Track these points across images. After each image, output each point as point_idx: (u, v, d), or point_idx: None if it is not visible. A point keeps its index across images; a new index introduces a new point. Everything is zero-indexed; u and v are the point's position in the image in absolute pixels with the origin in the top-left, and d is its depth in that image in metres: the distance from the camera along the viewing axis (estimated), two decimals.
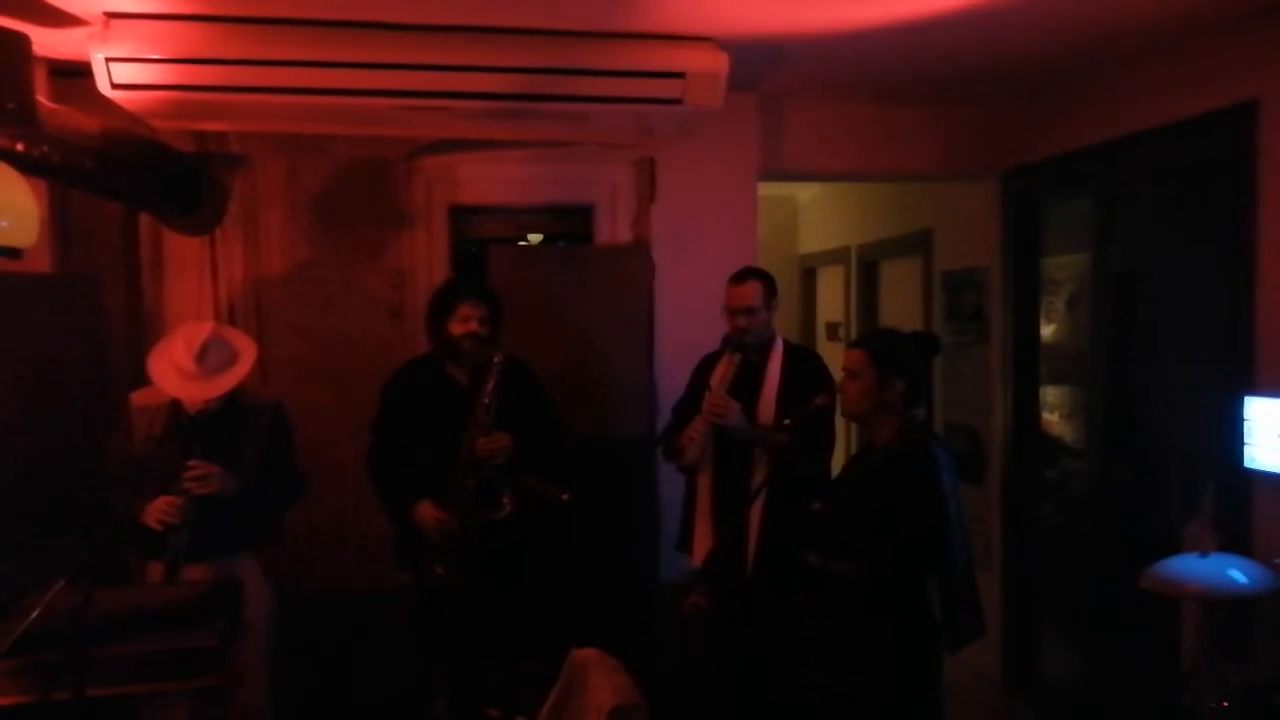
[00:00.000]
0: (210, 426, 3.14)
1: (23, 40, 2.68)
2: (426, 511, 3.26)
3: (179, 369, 3.04)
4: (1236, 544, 3.04)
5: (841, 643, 2.75)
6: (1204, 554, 2.87)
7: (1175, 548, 3.11)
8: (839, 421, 3.36)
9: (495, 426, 3.26)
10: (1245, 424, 3.07)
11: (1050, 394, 4.45)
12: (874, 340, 2.96)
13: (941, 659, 2.78)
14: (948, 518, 2.65)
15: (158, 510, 3.02)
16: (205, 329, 3.10)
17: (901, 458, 2.71)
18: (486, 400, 3.24)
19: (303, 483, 3.40)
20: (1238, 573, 2.78)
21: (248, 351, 3.17)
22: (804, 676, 2.96)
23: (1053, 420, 4.44)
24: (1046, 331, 4.46)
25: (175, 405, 3.14)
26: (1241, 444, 3.09)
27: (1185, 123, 3.43)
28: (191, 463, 3.04)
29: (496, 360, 3.25)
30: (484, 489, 3.25)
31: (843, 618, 2.74)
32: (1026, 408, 4.52)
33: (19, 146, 2.70)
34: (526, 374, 3.47)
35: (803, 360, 3.50)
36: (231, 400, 3.19)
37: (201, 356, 3.03)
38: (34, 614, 2.32)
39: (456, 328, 3.30)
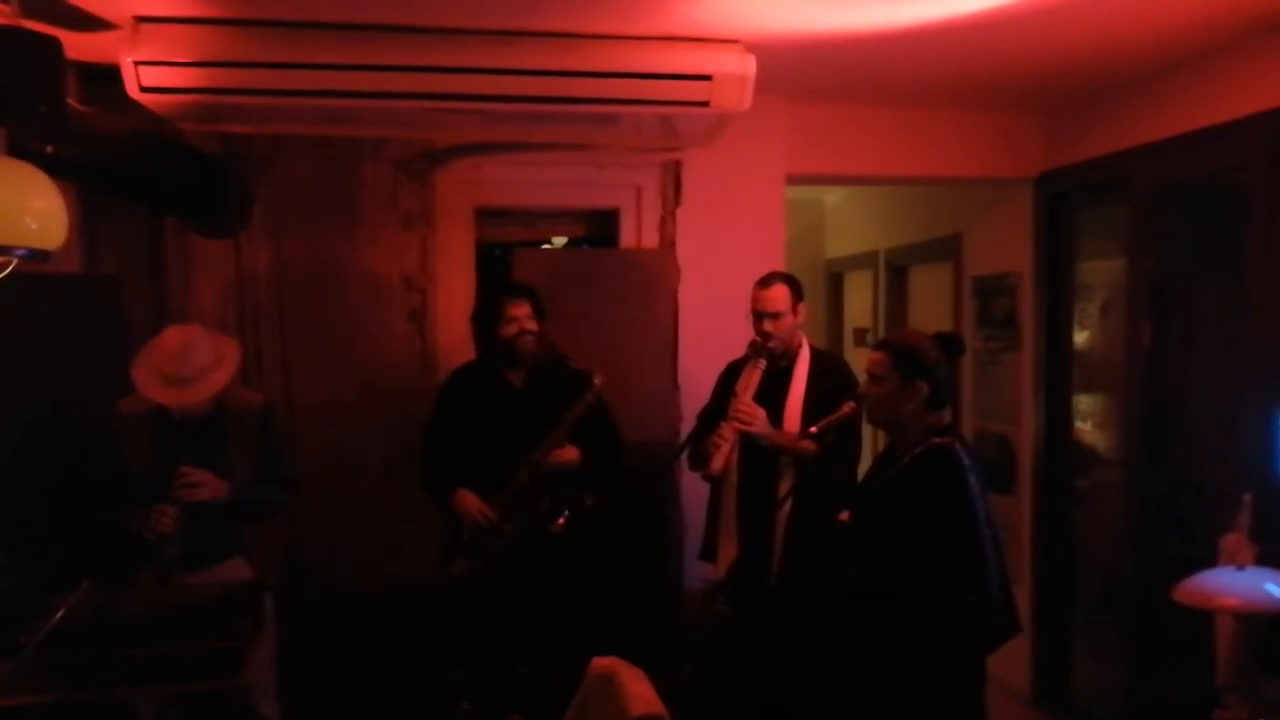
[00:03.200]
0: (199, 432, 3.09)
1: (54, 44, 2.70)
2: (471, 501, 3.28)
3: (161, 374, 2.99)
4: (1273, 557, 2.97)
5: (883, 651, 2.72)
6: (1240, 567, 2.82)
7: (1210, 560, 3.05)
8: (866, 428, 3.33)
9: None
10: None
11: (1083, 402, 4.39)
12: (896, 341, 2.90)
13: (983, 661, 2.75)
14: (977, 518, 2.61)
15: (148, 519, 2.95)
16: (187, 332, 3.06)
17: (925, 463, 2.68)
18: (575, 415, 3.27)
19: (295, 484, 3.34)
20: (1274, 586, 2.72)
21: (231, 355, 3.12)
22: (845, 686, 2.94)
23: (1085, 429, 4.38)
24: (1080, 338, 4.39)
25: (162, 411, 3.08)
26: (1278, 455, 3.02)
27: (1222, 127, 3.37)
28: (182, 470, 2.98)
29: (598, 383, 3.28)
30: (541, 498, 3.28)
31: (882, 627, 2.71)
32: (1059, 416, 4.46)
33: (49, 149, 2.72)
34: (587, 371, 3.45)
35: (829, 367, 3.47)
36: (219, 404, 3.14)
37: (184, 361, 2.98)
38: (58, 615, 2.33)
39: (508, 329, 3.32)
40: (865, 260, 6.34)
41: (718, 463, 3.23)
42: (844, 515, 2.85)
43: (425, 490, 3.44)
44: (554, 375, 3.38)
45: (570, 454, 3.32)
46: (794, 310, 3.38)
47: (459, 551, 3.30)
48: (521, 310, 3.34)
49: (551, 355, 3.39)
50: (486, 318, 3.40)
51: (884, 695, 2.72)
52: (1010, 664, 4.48)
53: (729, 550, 3.36)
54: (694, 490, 3.83)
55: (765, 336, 3.35)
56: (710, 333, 3.95)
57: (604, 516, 3.44)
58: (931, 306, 5.55)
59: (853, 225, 6.62)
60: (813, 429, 3.05)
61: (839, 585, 2.91)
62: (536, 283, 3.54)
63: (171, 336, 3.05)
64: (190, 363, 3.00)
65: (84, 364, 3.35)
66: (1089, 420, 4.35)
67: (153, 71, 2.99)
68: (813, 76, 3.83)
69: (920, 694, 2.65)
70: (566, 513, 3.28)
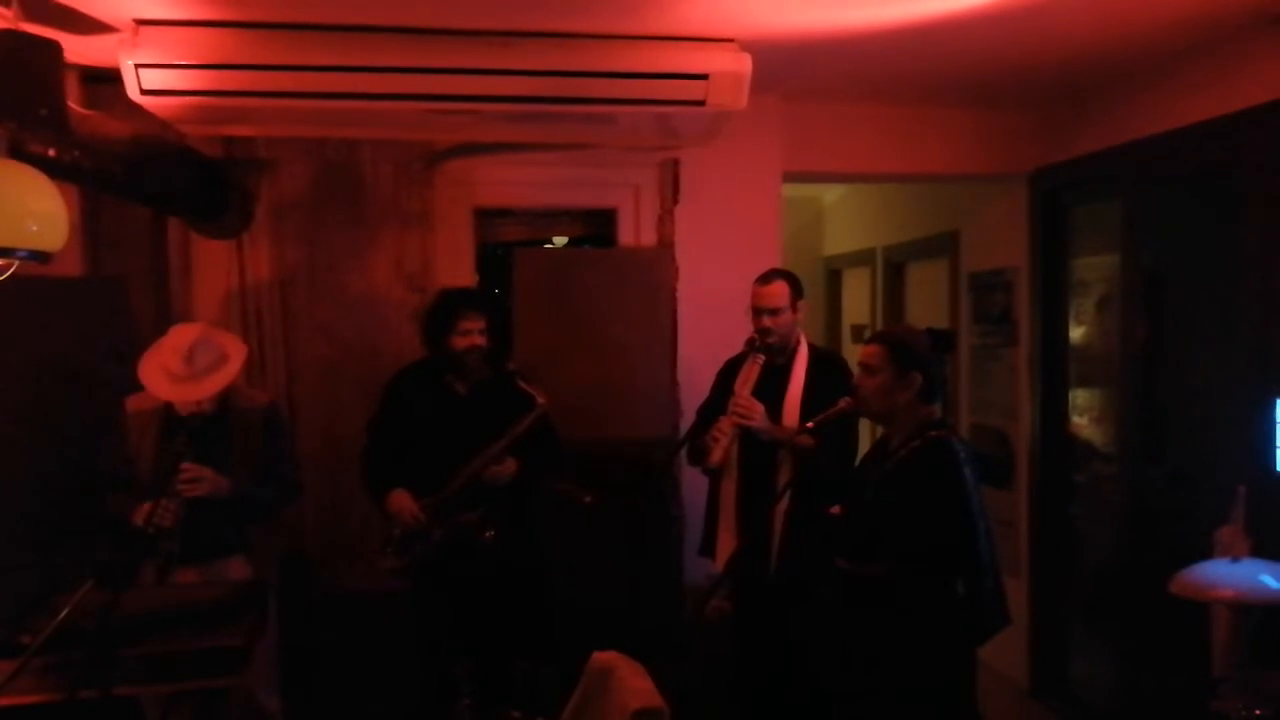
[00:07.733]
0: (203, 429, 3.12)
1: (55, 47, 2.72)
2: (404, 502, 3.29)
3: (167, 371, 3.04)
4: (1268, 549, 2.98)
5: (876, 644, 2.74)
6: (1235, 559, 2.83)
7: (1206, 553, 3.06)
8: (864, 423, 3.34)
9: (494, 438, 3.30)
10: (1277, 428, 3.02)
11: (1079, 397, 4.41)
12: (891, 334, 2.95)
13: (975, 651, 2.77)
14: (972, 511, 2.64)
15: (147, 513, 2.98)
16: (193, 331, 3.11)
17: (921, 456, 2.70)
18: (517, 433, 3.28)
19: (296, 485, 3.39)
20: (1270, 578, 2.73)
21: (237, 353, 3.16)
22: (839, 679, 2.95)
23: (1081, 423, 4.39)
24: (1075, 333, 4.41)
25: (168, 408, 3.13)
26: (1273, 448, 3.04)
27: (1217, 121, 3.38)
28: (183, 466, 3.02)
29: (542, 403, 3.30)
30: (474, 508, 3.30)
31: (875, 620, 2.73)
32: (1055, 411, 4.47)
33: (50, 152, 2.74)
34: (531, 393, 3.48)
35: (827, 363, 3.48)
36: (224, 402, 3.19)
37: (189, 358, 3.03)
38: (63, 613, 2.35)
39: (459, 341, 3.32)
40: (863, 257, 6.36)
41: (716, 455, 3.25)
42: (835, 509, 2.87)
43: (362, 484, 3.44)
44: (499, 388, 3.39)
45: (508, 468, 3.32)
46: (793, 307, 3.40)
47: (390, 548, 3.34)
48: (475, 324, 3.33)
49: (498, 372, 3.39)
50: (439, 323, 3.37)
51: (877, 686, 2.74)
52: (1008, 656, 4.50)
53: (728, 545, 3.38)
54: (694, 486, 3.85)
55: (764, 332, 3.36)
56: (709, 329, 3.97)
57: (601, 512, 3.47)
58: (928, 303, 5.57)
59: (850, 223, 6.64)
60: (810, 424, 3.07)
61: (832, 577, 2.92)
62: (537, 282, 3.55)
63: (178, 334, 3.09)
64: (195, 360, 3.04)
65: (89, 364, 3.38)
66: (1085, 415, 4.37)
67: (153, 74, 3.00)
68: (808, 75, 3.84)
69: (913, 685, 2.67)
70: (491, 532, 3.30)
